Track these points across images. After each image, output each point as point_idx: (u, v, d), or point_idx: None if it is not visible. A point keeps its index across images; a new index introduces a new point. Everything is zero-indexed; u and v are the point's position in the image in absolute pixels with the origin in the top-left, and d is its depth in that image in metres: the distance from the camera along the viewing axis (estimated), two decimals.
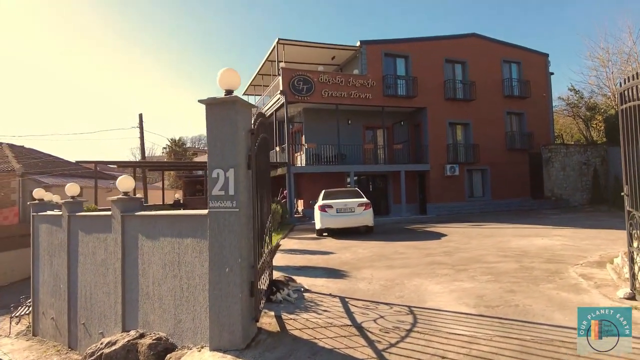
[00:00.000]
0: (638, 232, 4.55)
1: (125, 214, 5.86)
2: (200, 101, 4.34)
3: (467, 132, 22.39)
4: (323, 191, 13.58)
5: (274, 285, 5.50)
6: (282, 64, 18.98)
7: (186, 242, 4.76)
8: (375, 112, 20.73)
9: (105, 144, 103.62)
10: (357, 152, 20.35)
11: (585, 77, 43.33)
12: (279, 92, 18.68)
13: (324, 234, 12.59)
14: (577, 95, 30.39)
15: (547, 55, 25.20)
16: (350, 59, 21.73)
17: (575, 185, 23.36)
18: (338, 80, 19.18)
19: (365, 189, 21.78)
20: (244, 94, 28.17)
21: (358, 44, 20.27)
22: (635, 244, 4.67)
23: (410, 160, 21.38)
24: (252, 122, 4.67)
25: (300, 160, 20.64)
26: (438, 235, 11.54)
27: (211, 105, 4.34)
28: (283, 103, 18.46)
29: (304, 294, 5.66)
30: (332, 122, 19.32)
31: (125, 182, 6.13)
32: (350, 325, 4.29)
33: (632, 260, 4.73)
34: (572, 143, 27.75)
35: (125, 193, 6.08)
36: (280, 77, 18.58)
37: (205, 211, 4.38)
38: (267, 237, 5.71)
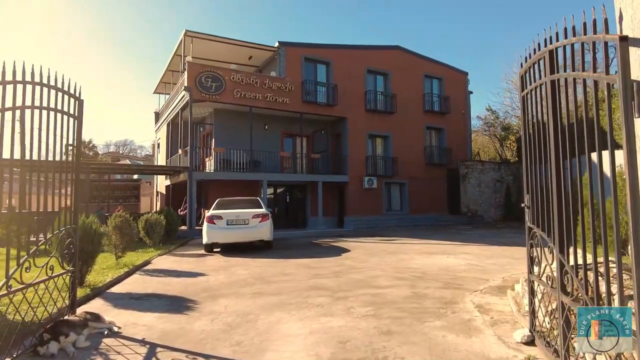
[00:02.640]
0: (540, 253, 3.45)
1: None
2: None
3: (386, 145, 21.87)
4: (217, 200, 11.83)
5: (54, 330, 3.70)
6: (188, 58, 17.05)
7: None
8: (294, 119, 19.50)
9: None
10: (274, 159, 18.86)
11: (501, 98, 45.74)
12: (183, 88, 16.71)
13: (216, 250, 10.84)
14: (494, 115, 31.71)
15: (467, 73, 25.77)
16: (269, 61, 20.35)
17: (489, 202, 23.79)
18: (252, 81, 17.66)
19: (283, 200, 20.39)
20: (155, 92, 25.64)
21: (277, 44, 18.97)
22: (536, 270, 3.57)
23: (329, 171, 20.31)
24: None
25: (210, 166, 18.72)
26: (340, 251, 10.27)
27: None
28: (188, 101, 16.51)
29: (106, 339, 3.93)
30: (247, 126, 17.71)
31: None
32: None
33: (532, 292, 3.62)
34: (488, 160, 28.60)
35: None
36: (186, 72, 16.64)
37: None
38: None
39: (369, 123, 20.97)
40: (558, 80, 2.83)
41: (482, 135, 34.87)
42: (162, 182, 23.98)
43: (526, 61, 3.61)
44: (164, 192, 23.02)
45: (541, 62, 3.20)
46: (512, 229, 18.29)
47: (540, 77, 3.23)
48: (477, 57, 72.01)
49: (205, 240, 10.33)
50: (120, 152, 63.12)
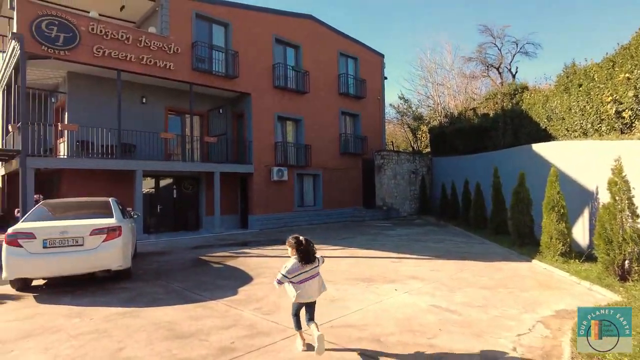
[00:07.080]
0: None
1: None
2: None
3: (298, 130, 18.71)
4: (41, 202, 7.51)
5: None
6: None
7: None
8: (183, 92, 15.31)
9: None
10: (155, 143, 14.47)
11: (415, 86, 44.70)
12: (11, 36, 11.56)
13: (37, 284, 6.65)
14: (406, 104, 30.43)
15: (383, 56, 23.67)
16: (148, 16, 15.70)
17: (405, 194, 22.11)
18: (122, 36, 13.04)
19: (168, 196, 16.05)
20: None
21: None
22: None
23: (230, 160, 16.53)
24: None
25: (63, 149, 13.75)
26: (238, 282, 6.79)
27: None
28: (20, 56, 11.41)
29: None
30: (114, 96, 13.14)
31: None
32: None
33: None
34: (402, 150, 27.16)
35: None
36: (15, 14, 11.49)
37: None
38: None
39: (278, 103, 17.58)
40: None
41: (393, 124, 33.61)
42: None
43: None
44: (0, 185, 17.07)
45: None
46: (433, 225, 16.61)
47: None
48: (386, 41, 70.30)
49: (4, 274, 6.06)
50: None
